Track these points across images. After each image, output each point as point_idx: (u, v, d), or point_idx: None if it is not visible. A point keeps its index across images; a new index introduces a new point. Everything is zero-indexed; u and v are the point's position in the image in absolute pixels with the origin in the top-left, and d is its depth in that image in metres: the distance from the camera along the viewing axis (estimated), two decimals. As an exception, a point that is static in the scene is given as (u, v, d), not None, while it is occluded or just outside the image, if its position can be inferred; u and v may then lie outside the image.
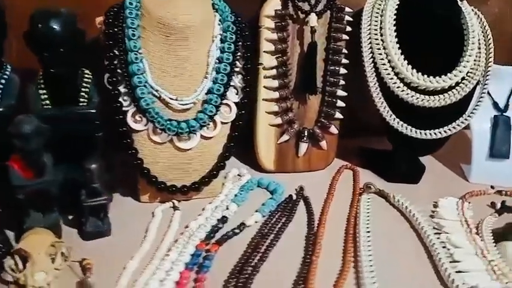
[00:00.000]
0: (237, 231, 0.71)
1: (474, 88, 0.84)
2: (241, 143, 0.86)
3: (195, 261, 0.64)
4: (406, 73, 0.80)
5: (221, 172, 0.79)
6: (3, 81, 0.66)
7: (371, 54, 0.82)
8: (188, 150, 0.73)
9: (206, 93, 0.72)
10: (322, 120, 0.86)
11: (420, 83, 0.80)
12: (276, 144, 0.86)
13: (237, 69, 0.73)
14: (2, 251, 0.57)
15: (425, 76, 0.80)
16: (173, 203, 0.75)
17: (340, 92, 0.86)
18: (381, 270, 0.66)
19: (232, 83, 0.73)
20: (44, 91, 0.66)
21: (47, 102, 0.67)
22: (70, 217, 0.70)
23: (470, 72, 0.82)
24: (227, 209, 0.75)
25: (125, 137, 0.69)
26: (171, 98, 0.70)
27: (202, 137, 0.73)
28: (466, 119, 0.83)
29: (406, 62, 0.80)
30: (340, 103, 0.86)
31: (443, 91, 0.81)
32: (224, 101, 0.73)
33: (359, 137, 0.96)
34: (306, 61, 0.82)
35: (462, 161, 0.93)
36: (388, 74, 0.81)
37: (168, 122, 0.69)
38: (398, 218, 0.78)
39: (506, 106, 0.89)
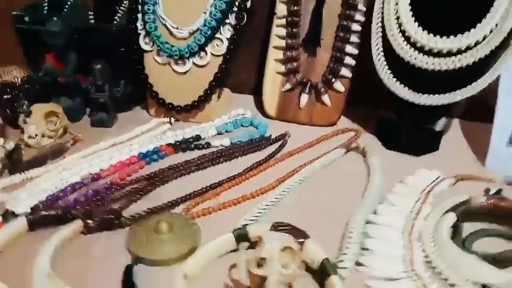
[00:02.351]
0: (199, 146, 0.81)
1: (491, 57, 0.72)
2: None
3: (147, 154, 0.77)
4: (411, 30, 0.76)
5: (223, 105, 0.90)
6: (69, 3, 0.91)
7: (381, 10, 0.80)
8: (183, 74, 0.86)
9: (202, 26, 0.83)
10: (327, 74, 0.87)
11: (423, 43, 0.75)
12: (280, 92, 0.91)
13: (234, 9, 0.83)
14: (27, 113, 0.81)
15: (431, 35, 0.74)
16: (170, 118, 0.89)
17: (350, 49, 0.85)
18: (292, 203, 0.67)
19: (227, 21, 0.83)
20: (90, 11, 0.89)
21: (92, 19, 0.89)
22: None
23: (488, 36, 0.72)
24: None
25: (136, 54, 0.87)
26: (173, 27, 0.84)
27: (195, 64, 0.85)
28: (473, 88, 0.73)
29: (413, 18, 0.76)
30: (349, 60, 0.86)
31: (450, 54, 0.74)
32: (217, 35, 0.83)
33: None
34: (312, 13, 0.85)
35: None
36: (391, 29, 0.78)
37: (162, 44, 0.84)
38: (359, 174, 0.75)
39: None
